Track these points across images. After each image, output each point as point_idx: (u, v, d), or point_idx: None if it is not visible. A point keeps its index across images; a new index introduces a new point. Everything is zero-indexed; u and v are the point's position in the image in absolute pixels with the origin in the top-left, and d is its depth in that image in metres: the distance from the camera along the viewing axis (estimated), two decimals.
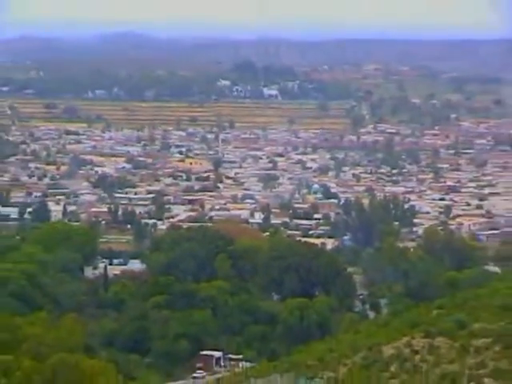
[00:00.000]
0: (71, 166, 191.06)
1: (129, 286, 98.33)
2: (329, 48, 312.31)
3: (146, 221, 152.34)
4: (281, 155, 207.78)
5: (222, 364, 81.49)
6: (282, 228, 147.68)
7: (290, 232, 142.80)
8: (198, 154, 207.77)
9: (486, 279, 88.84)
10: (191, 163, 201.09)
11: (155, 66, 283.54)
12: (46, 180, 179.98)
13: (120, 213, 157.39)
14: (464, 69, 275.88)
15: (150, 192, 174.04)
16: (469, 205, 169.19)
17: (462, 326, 57.89)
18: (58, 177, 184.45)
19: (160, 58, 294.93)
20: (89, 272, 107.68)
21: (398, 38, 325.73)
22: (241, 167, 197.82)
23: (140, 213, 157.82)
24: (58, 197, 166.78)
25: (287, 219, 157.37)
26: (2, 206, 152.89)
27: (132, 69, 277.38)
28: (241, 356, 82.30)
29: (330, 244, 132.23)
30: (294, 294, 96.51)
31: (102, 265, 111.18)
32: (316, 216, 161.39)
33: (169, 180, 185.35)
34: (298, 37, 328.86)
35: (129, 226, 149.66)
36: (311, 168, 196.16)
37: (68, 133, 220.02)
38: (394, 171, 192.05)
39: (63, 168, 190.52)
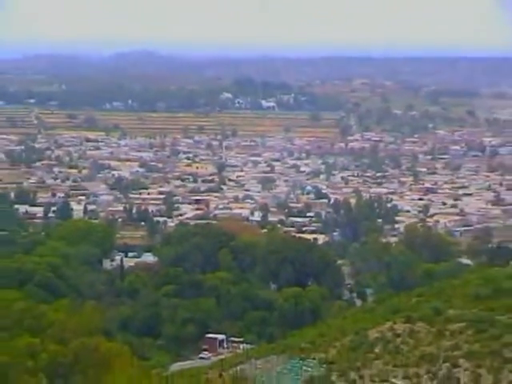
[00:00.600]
0: (91, 170, 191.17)
1: (142, 277, 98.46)
2: (320, 65, 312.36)
3: (158, 218, 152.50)
4: (277, 160, 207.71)
5: (225, 346, 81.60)
6: (279, 225, 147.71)
7: (285, 229, 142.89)
8: (203, 159, 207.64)
9: (459, 271, 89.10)
10: (197, 167, 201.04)
11: (165, 80, 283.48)
12: (69, 182, 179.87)
13: (134, 211, 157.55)
14: (441, 83, 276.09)
15: (160, 193, 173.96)
16: (444, 204, 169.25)
17: (439, 312, 58.11)
18: (79, 179, 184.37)
19: (169, 74, 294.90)
20: (107, 264, 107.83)
21: (383, 56, 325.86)
22: (242, 171, 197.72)
23: (152, 211, 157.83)
24: (79, 197, 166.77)
25: (283, 217, 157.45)
26: (30, 206, 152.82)
27: (145, 83, 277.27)
28: (242, 339, 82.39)
29: (321, 239, 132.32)
30: (289, 284, 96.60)
31: (118, 258, 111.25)
32: (309, 214, 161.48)
33: (177, 182, 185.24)
34: (293, 55, 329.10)
35: (142, 223, 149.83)
36: (304, 172, 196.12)
37: (88, 140, 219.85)
38: (378, 174, 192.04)
39: (84, 172, 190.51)
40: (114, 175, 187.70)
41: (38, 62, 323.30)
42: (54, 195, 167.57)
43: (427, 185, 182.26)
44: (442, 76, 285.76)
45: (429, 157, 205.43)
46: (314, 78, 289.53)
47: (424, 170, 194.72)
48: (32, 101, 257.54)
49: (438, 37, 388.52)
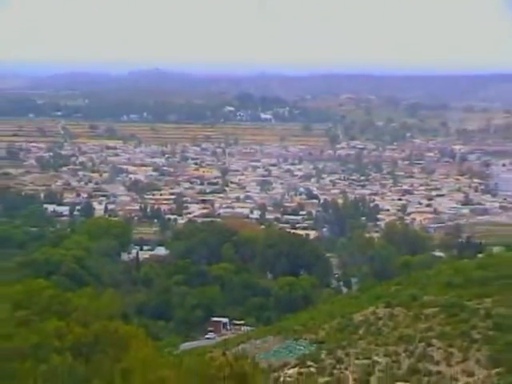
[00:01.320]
0: (110, 174, 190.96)
1: (155, 267, 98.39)
2: (311, 81, 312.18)
3: (169, 216, 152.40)
4: (274, 165, 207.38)
5: (228, 328, 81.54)
6: (275, 222, 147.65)
7: (281, 225, 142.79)
8: (209, 164, 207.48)
9: (433, 262, 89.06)
10: (204, 171, 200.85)
11: (175, 95, 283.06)
12: (91, 185, 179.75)
13: (148, 210, 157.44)
14: (417, 98, 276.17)
15: (171, 194, 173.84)
16: (420, 204, 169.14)
17: (415, 298, 58.12)
18: (100, 182, 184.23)
19: (178, 90, 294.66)
20: (124, 256, 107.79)
21: (367, 74, 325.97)
22: (242, 174, 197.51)
23: (164, 210, 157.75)
24: (100, 198, 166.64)
25: (279, 215, 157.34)
26: (57, 205, 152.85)
27: (157, 97, 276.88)
28: (242, 322, 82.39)
29: (312, 235, 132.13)
30: (283, 274, 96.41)
31: (134, 251, 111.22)
32: (301, 213, 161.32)
33: (186, 185, 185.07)
34: (287, 73, 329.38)
35: (155, 221, 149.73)
36: (297, 175, 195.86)
37: (108, 148, 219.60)
38: (362, 178, 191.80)
39: (104, 175, 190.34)
40: (130, 178, 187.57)
41: (64, 80, 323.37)
42: (78, 196, 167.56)
43: (405, 187, 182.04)
44: (419, 92, 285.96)
45: (406, 162, 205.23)
46: (305, 93, 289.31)
47: (402, 173, 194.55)
48: (59, 113, 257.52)
49: (415, 57, 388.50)
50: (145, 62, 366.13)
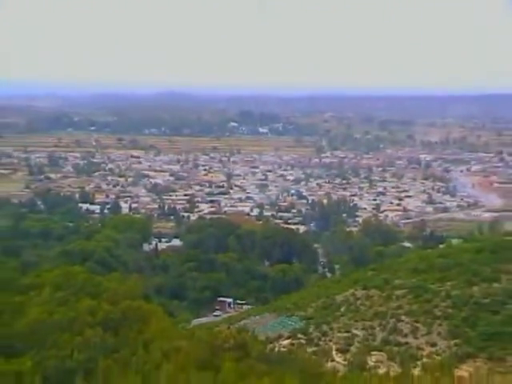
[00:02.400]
0: (134, 179, 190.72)
1: (171, 256, 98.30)
2: (301, 102, 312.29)
3: (183, 213, 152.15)
4: (270, 171, 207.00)
5: (232, 307, 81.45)
6: (271, 218, 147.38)
7: (276, 221, 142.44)
8: (216, 170, 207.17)
9: (402, 252, 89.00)
10: (212, 176, 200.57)
11: (188, 113, 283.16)
12: (118, 187, 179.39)
13: (166, 208, 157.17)
14: (389, 115, 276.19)
15: (185, 195, 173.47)
16: (391, 203, 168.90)
17: (387, 282, 58.03)
18: (125, 185, 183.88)
19: (191, 108, 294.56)
20: (146, 247, 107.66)
21: (347, 95, 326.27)
22: (244, 179, 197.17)
23: (179, 208, 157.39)
24: (125, 198, 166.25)
25: (274, 212, 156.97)
26: (90, 204, 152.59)
27: (173, 115, 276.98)
28: (244, 301, 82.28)
29: (301, 229, 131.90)
30: (278, 261, 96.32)
31: (154, 242, 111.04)
32: (293, 211, 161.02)
33: (197, 187, 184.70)
34: (281, 94, 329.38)
35: (171, 217, 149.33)
36: (289, 179, 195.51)
37: (132, 156, 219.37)
38: (343, 181, 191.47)
39: (129, 180, 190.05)
40: (151, 182, 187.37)
41: (95, 100, 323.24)
42: (107, 196, 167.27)
43: (379, 189, 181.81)
44: (390, 110, 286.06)
45: (380, 169, 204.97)
46: (296, 111, 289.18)
47: (376, 178, 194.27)
48: (92, 128, 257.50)
49: (387, 80, 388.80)
50: (162, 84, 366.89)
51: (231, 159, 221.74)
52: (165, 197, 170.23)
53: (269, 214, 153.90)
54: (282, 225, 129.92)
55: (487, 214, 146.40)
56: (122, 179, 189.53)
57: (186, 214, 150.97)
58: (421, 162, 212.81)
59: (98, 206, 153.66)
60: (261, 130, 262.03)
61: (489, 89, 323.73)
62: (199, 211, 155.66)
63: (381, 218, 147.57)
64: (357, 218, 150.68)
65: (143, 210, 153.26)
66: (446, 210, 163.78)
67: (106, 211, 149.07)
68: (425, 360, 43.34)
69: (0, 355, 22.01)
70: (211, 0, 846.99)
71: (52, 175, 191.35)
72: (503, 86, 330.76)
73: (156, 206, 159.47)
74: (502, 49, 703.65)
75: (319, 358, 44.49)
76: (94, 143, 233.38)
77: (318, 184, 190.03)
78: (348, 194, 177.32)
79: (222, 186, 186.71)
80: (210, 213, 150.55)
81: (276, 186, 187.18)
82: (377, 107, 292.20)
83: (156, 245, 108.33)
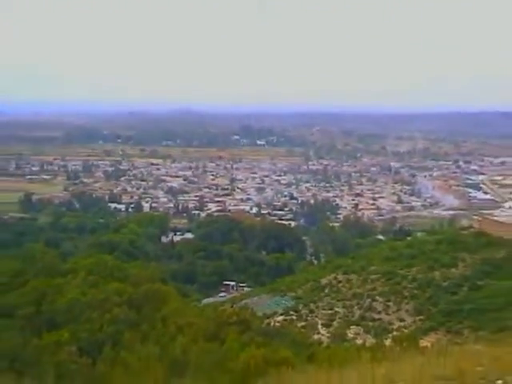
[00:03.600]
0: (154, 182, 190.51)
1: (185, 247, 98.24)
2: (293, 118, 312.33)
3: (194, 211, 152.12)
4: (266, 176, 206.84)
5: (235, 289, 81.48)
6: (267, 215, 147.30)
7: (271, 217, 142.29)
8: (222, 176, 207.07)
9: (376, 243, 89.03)
10: (218, 181, 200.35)
11: (197, 127, 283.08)
12: (140, 190, 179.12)
13: (180, 207, 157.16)
14: (365, 130, 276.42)
15: (196, 196, 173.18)
16: (367, 203, 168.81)
17: (364, 268, 58.13)
18: (146, 188, 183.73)
19: (200, 123, 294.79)
20: (163, 239, 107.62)
21: (331, 112, 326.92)
22: (245, 183, 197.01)
23: (191, 207, 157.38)
24: (146, 199, 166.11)
25: (270, 211, 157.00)
26: (117, 204, 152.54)
27: (186, 128, 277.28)
28: (245, 284, 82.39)
29: (292, 224, 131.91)
30: (273, 251, 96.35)
31: (170, 235, 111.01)
32: (285, 209, 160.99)
33: (206, 190, 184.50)
34: (276, 111, 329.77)
35: (185, 215, 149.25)
36: (283, 183, 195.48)
37: (152, 164, 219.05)
38: (327, 185, 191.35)
39: (150, 183, 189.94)
40: (167, 185, 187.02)
41: (120, 116, 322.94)
42: (131, 197, 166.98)
43: (357, 191, 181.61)
44: (366, 126, 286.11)
45: (357, 174, 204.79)
46: (288, 126, 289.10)
47: (354, 182, 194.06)
48: (119, 140, 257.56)
49: (364, 99, 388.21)
50: (175, 103, 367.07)
51: (234, 166, 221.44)
52: (179, 197, 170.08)
53: (265, 211, 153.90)
54: (277, 221, 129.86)
55: (446, 212, 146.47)
56: (143, 183, 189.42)
57: (196, 212, 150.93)
58: (391, 168, 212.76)
59: (124, 205, 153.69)
60: (258, 142, 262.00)
61: (449, 107, 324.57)
62: (208, 209, 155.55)
63: (358, 215, 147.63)
64: (338, 215, 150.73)
65: (161, 209, 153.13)
66: (412, 208, 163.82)
67: (130, 209, 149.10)
68: (395, 333, 43.36)
69: (43, 328, 22.11)
70: (207, 31, 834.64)
71: (86, 180, 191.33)
72: (460, 104, 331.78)
73: (172, 205, 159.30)
74: (456, 72, 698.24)
75: (307, 331, 44.58)
76: (120, 153, 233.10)
77: (306, 187, 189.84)
78: (331, 195, 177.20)
79: (227, 189, 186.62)
80: (217, 211, 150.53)
81: (271, 189, 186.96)
82: (355, 123, 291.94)
83: (172, 237, 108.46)
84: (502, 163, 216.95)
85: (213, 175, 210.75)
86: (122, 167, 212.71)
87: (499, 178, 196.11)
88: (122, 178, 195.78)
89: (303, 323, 48.90)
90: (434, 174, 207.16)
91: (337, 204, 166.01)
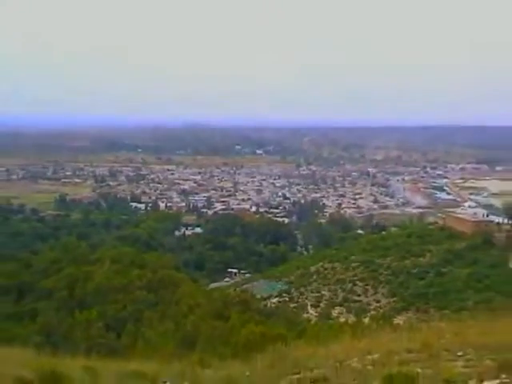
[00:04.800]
0: (169, 185, 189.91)
1: (195, 239, 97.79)
2: (286, 130, 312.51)
3: (203, 210, 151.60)
4: (264, 180, 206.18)
5: (237, 275, 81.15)
6: (265, 213, 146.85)
7: (268, 215, 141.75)
8: (226, 180, 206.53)
9: (356, 237, 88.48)
10: (223, 184, 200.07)
11: (205, 138, 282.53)
12: (157, 191, 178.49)
13: (191, 206, 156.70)
14: (349, 140, 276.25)
15: (204, 197, 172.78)
16: (349, 202, 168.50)
17: (346, 257, 57.97)
18: (162, 190, 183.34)
19: (207, 134, 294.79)
20: (177, 233, 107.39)
21: (319, 125, 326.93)
22: (246, 185, 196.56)
23: (200, 206, 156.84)
24: (162, 199, 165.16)
25: (267, 209, 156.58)
26: (137, 203, 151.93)
27: (195, 140, 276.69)
28: (246, 271, 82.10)
29: (286, 221, 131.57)
30: (270, 243, 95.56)
31: (182, 230, 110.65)
32: (280, 208, 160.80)
33: (213, 191, 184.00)
34: (271, 125, 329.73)
35: (195, 212, 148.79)
36: (278, 186, 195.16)
37: (168, 170, 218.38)
38: (315, 187, 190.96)
39: (165, 186, 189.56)
40: (180, 188, 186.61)
41: (140, 129, 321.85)
42: (149, 198, 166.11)
43: (340, 193, 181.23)
44: (349, 137, 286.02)
45: (341, 178, 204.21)
46: (283, 137, 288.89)
47: (338, 185, 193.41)
48: (139, 150, 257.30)
49: (347, 114, 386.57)
50: (187, 117, 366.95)
51: (236, 172, 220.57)
52: (190, 198, 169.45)
53: (263, 210, 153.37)
54: (273, 218, 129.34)
55: (415, 210, 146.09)
56: (160, 186, 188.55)
57: (205, 210, 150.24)
58: (369, 173, 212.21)
59: (143, 205, 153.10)
60: (257, 151, 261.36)
61: (416, 122, 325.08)
62: (214, 208, 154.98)
63: (341, 213, 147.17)
64: (325, 213, 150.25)
65: (175, 208, 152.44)
66: (386, 207, 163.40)
67: (148, 208, 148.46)
68: (372, 312, 43.32)
69: (76, 308, 22.06)
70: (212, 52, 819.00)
71: (111, 183, 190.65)
72: (426, 119, 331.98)
73: (184, 205, 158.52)
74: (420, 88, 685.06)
75: (298, 311, 44.50)
76: (140, 160, 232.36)
77: (297, 189, 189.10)
78: (318, 196, 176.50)
79: (230, 191, 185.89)
80: (222, 209, 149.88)
81: (268, 191, 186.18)
82: (339, 135, 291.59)
83: (184, 232, 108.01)
84: (462, 169, 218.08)
85: (218, 179, 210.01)
86: (141, 172, 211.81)
87: (460, 181, 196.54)
88: (142, 182, 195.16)
89: (295, 304, 48.82)
90: (405, 178, 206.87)
91: (323, 203, 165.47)
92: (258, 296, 43.57)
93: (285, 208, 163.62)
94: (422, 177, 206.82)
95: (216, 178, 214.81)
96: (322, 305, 48.23)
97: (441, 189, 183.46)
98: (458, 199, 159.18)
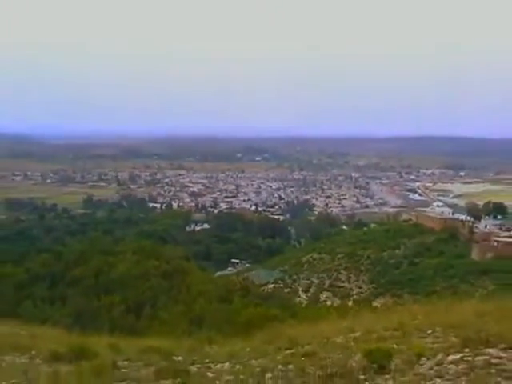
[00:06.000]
0: (181, 188, 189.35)
1: (203, 234, 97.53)
2: (281, 140, 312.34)
3: (210, 209, 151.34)
4: (262, 183, 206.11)
5: (239, 265, 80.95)
6: (263, 212, 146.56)
7: (265, 213, 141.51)
8: (229, 183, 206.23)
9: (341, 232, 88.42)
10: (227, 186, 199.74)
11: (211, 147, 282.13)
12: (171, 193, 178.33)
13: (199, 206, 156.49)
14: (333, 150, 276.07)
15: (211, 197, 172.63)
16: (335, 202, 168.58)
17: (333, 249, 57.73)
18: (175, 192, 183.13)
19: (213, 144, 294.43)
20: (187, 229, 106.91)
21: (310, 136, 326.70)
22: (246, 188, 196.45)
23: (207, 206, 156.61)
24: (175, 199, 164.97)
25: (265, 208, 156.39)
26: (154, 203, 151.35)
27: (203, 148, 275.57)
28: (246, 262, 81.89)
29: (281, 218, 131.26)
30: (267, 237, 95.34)
31: (192, 225, 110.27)
32: (276, 207, 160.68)
33: (218, 193, 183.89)
34: (268, 136, 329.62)
35: (203, 211, 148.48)
36: (274, 188, 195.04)
37: (179, 174, 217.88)
38: (306, 189, 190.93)
39: (177, 188, 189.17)
40: (190, 190, 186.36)
41: (156, 139, 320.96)
42: (164, 198, 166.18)
43: (327, 194, 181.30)
44: (335, 146, 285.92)
45: (328, 182, 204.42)
46: (278, 146, 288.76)
47: (326, 187, 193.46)
48: (155, 157, 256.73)
49: (332, 126, 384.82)
50: (195, 129, 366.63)
51: (238, 176, 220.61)
52: (199, 199, 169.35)
53: (261, 209, 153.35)
54: (269, 215, 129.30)
55: (391, 209, 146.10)
56: (173, 188, 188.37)
57: (211, 209, 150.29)
58: (352, 177, 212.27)
59: (159, 204, 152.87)
60: (256, 158, 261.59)
61: (396, 133, 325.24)
62: (219, 207, 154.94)
63: (328, 211, 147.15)
64: (314, 212, 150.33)
65: (185, 207, 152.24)
66: (367, 206, 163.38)
67: (163, 207, 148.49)
68: (355, 296, 43.31)
69: (101, 293, 22.05)
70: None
71: (131, 186, 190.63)
72: (403, 130, 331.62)
73: (193, 204, 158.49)
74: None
75: (291, 295, 44.47)
76: (156, 166, 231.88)
77: (290, 191, 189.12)
78: (309, 197, 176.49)
79: (233, 192, 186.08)
80: (226, 208, 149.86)
81: (266, 192, 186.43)
82: (327, 144, 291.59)
83: (193, 227, 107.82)
84: (432, 174, 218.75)
85: (223, 182, 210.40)
86: (157, 177, 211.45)
87: (429, 184, 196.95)
88: (158, 185, 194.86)
89: (288, 289, 48.81)
90: (383, 181, 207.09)
91: (313, 203, 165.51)
92: (257, 283, 43.58)
93: (280, 207, 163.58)
94: (398, 180, 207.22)
95: (221, 181, 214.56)
96: (311, 290, 48.27)
97: (413, 191, 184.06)
98: (428, 200, 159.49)
